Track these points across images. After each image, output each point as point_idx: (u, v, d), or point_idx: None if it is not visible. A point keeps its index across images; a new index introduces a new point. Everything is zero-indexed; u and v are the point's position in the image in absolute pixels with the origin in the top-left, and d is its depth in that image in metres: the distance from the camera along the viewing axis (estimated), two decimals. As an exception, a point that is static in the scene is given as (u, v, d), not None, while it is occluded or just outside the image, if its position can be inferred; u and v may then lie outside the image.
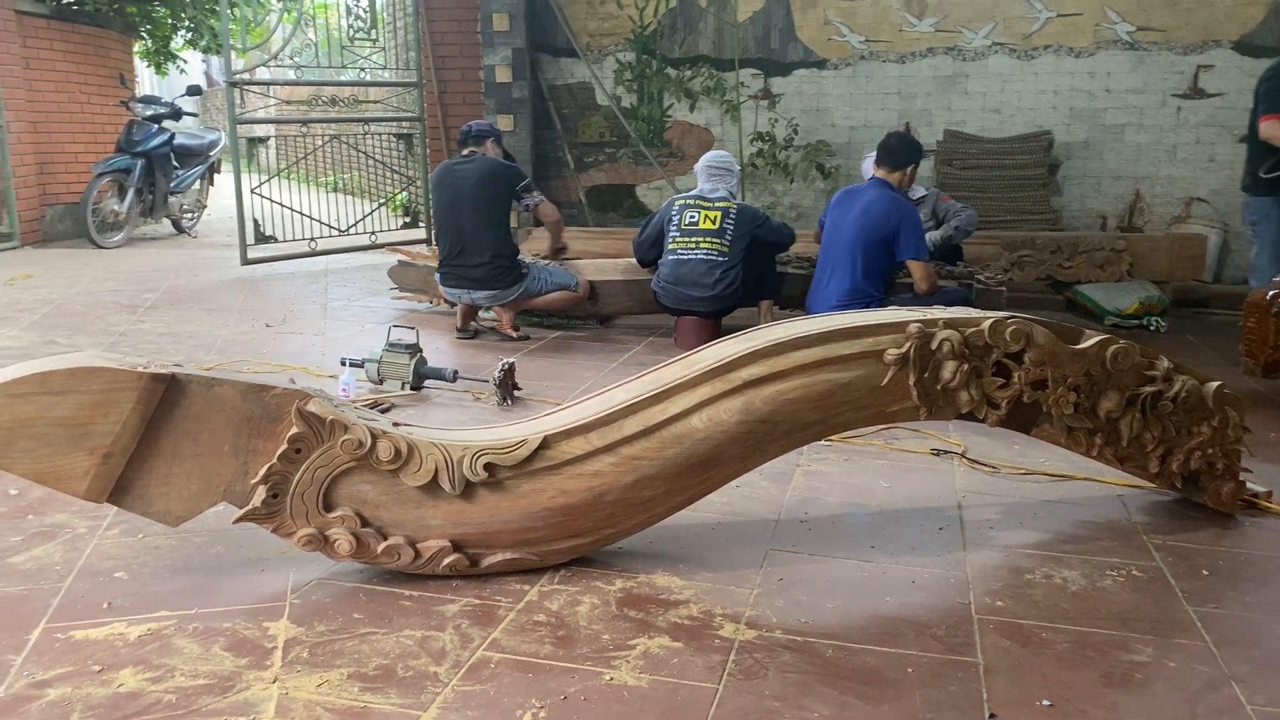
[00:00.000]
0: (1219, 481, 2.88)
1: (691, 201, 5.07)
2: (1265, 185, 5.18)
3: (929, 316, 2.57)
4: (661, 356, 4.88)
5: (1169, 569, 2.51)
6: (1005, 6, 7.35)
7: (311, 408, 2.21)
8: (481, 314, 5.39)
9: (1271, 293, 4.21)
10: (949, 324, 2.56)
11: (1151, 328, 6.01)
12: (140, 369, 2.16)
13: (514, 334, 5.14)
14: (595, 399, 2.52)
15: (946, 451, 3.43)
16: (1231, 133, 7.10)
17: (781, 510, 2.86)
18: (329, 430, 2.22)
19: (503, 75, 7.79)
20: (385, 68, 8.14)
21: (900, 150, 4.80)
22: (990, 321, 2.59)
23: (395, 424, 2.36)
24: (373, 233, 7.86)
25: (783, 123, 7.79)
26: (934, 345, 2.53)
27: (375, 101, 8.92)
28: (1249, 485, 2.98)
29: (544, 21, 8.02)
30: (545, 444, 2.33)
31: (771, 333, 2.57)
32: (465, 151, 5.29)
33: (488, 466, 2.28)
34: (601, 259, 5.85)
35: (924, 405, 2.56)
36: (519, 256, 5.23)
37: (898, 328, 2.53)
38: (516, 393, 3.93)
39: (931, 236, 5.52)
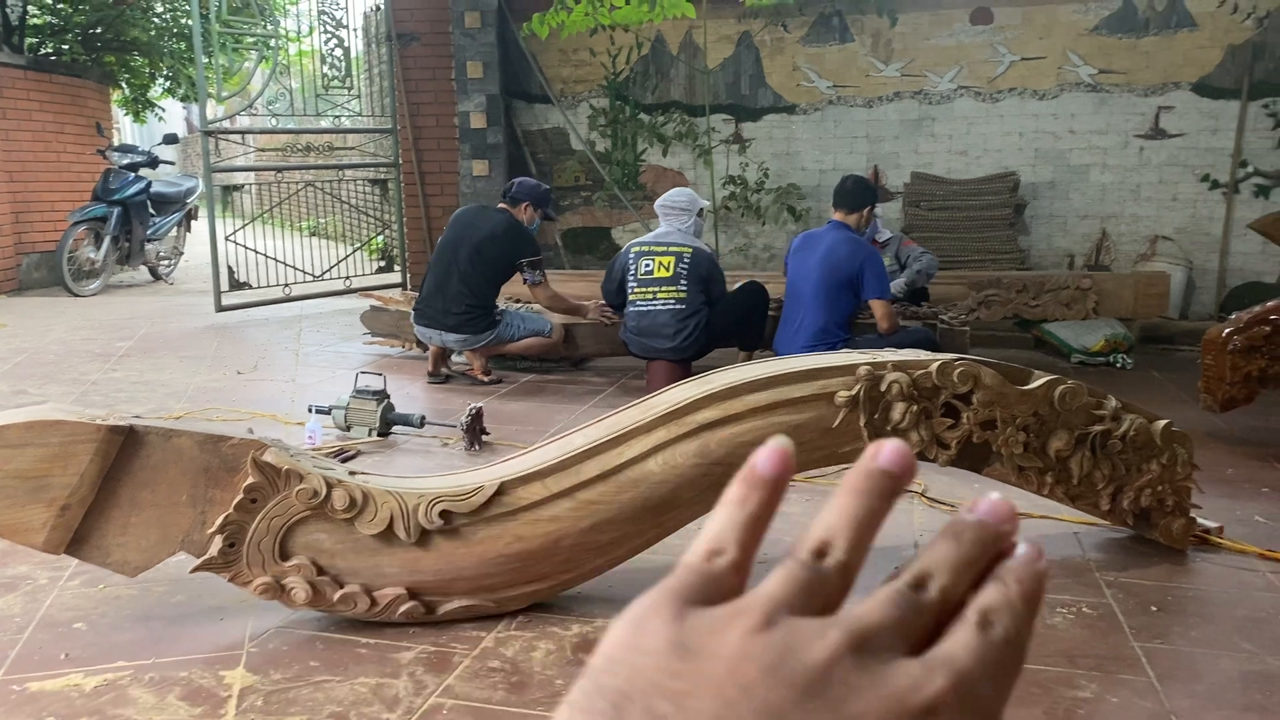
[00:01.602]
0: (1170, 518, 2.93)
1: (646, 247, 5.09)
2: None
3: (878, 359, 2.63)
4: (632, 399, 4.91)
5: (1119, 605, 2.56)
6: (970, 51, 7.51)
7: (267, 457, 2.24)
8: (454, 358, 5.43)
9: (1227, 330, 4.30)
10: (898, 366, 2.62)
11: (1118, 365, 6.09)
12: (99, 421, 2.19)
13: (485, 378, 5.18)
14: (554, 444, 2.55)
15: (907, 491, 3.47)
16: (1193, 172, 7.25)
17: (741, 552, 2.88)
18: (284, 480, 2.24)
19: (477, 121, 7.89)
20: (360, 114, 8.24)
21: (856, 193, 4.89)
22: (938, 363, 2.65)
23: (352, 473, 2.39)
24: (347, 278, 7.91)
25: (754, 166, 7.90)
26: (883, 387, 2.59)
27: (351, 148, 9.01)
28: (1200, 521, 3.04)
29: (518, 69, 8.14)
30: (502, 490, 2.36)
31: (726, 376, 2.62)
32: (500, 206, 5.32)
33: (443, 514, 2.31)
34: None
35: (876, 447, 2.60)
36: (495, 305, 5.25)
37: (847, 370, 2.58)
38: (484, 438, 3.96)
39: (896, 285, 5.60)
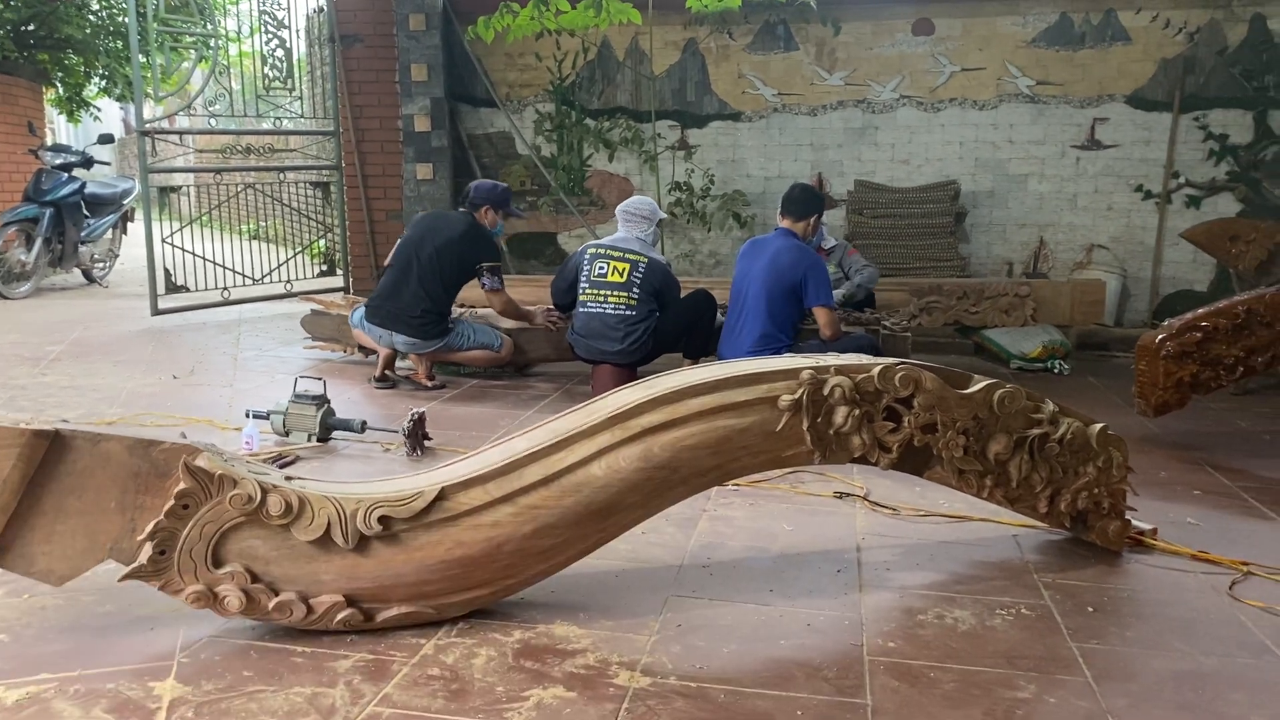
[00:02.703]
0: (1106, 520, 2.98)
1: (602, 250, 5.10)
2: None
3: (821, 363, 2.64)
4: (577, 404, 4.90)
5: (1056, 607, 2.59)
6: (912, 61, 7.61)
7: (200, 462, 2.18)
8: (399, 363, 5.35)
9: (1160, 337, 4.39)
10: (840, 370, 2.63)
11: (1055, 370, 6.20)
12: (22, 425, 2.12)
13: (429, 383, 5.12)
14: (496, 448, 2.53)
15: (849, 494, 3.50)
16: (1127, 182, 7.42)
17: (685, 556, 2.88)
18: (218, 485, 2.19)
19: (421, 124, 7.82)
20: (302, 116, 8.12)
21: (803, 200, 4.92)
22: (880, 367, 2.66)
23: (288, 478, 2.34)
24: (288, 281, 7.79)
25: (699, 173, 7.93)
26: (826, 391, 2.60)
27: (292, 150, 8.88)
28: (1135, 523, 3.09)
29: (463, 72, 8.08)
30: (442, 495, 2.33)
31: (670, 380, 2.61)
32: (463, 209, 5.26)
33: (382, 520, 2.27)
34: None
35: (818, 450, 2.61)
36: (449, 313, 5.20)
37: (791, 374, 2.59)
38: (427, 443, 3.91)
39: (838, 294, 5.65)
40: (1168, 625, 2.49)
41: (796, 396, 2.56)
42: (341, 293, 7.78)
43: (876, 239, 7.51)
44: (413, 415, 3.85)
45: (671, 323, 5.03)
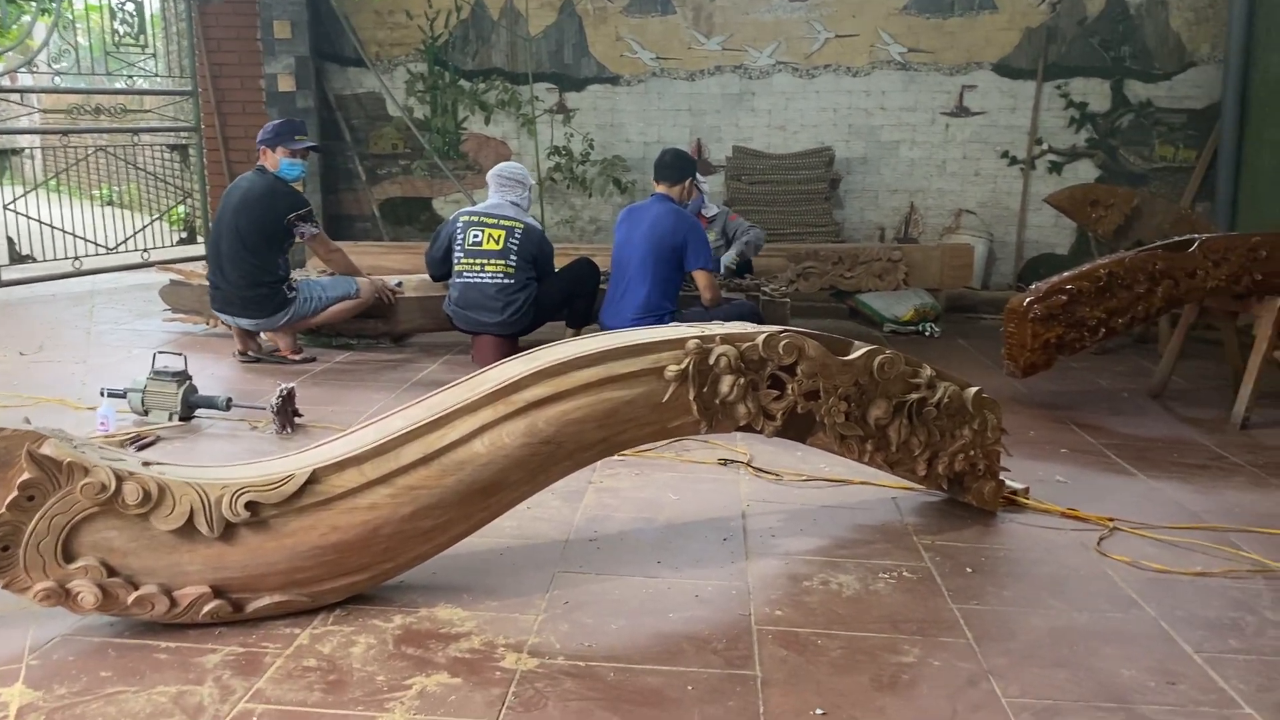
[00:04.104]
0: (981, 481, 3.05)
1: (475, 218, 4.95)
2: None
3: (707, 332, 2.61)
4: (458, 376, 4.78)
5: (936, 569, 2.64)
6: (787, 27, 7.64)
7: (45, 450, 2.02)
8: (261, 336, 5.12)
9: (1028, 300, 4.52)
10: (725, 339, 2.60)
11: (926, 333, 6.36)
12: None
13: (295, 357, 4.90)
14: (371, 427, 2.42)
15: (733, 461, 3.50)
16: (994, 149, 7.62)
17: (571, 530, 2.83)
18: (67, 474, 2.03)
19: (285, 84, 7.48)
20: (157, 75, 7.66)
21: (676, 165, 4.89)
22: (764, 336, 2.65)
23: (146, 464, 2.18)
24: (145, 250, 7.37)
25: (579, 138, 7.81)
26: (711, 360, 2.57)
27: (147, 111, 8.38)
28: (1008, 483, 3.18)
29: (329, 29, 7.75)
30: (314, 478, 2.21)
31: (554, 352, 2.54)
32: (259, 164, 4.94)
33: (250, 505, 2.14)
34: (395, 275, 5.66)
35: (704, 419, 2.59)
36: (287, 279, 4.91)
37: (677, 344, 2.55)
38: (297, 419, 3.74)
39: (727, 258, 5.66)
40: (1042, 583, 2.57)
41: (683, 367, 2.52)
42: (203, 261, 7.41)
43: (754, 205, 7.54)
44: (281, 391, 3.68)
45: (553, 292, 4.95)
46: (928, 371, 2.92)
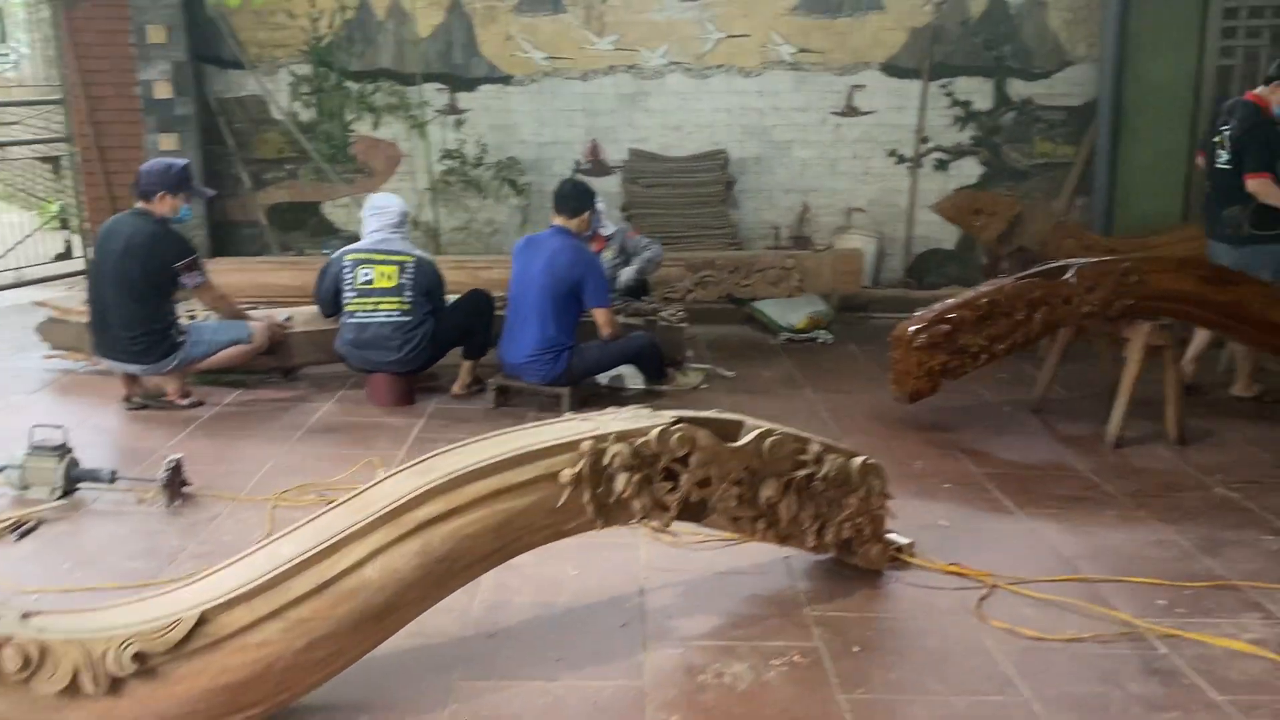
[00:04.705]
0: (868, 545, 3.16)
1: (363, 255, 4.84)
2: (1260, 237, 5.05)
3: (600, 431, 2.64)
4: (353, 419, 4.73)
5: (826, 648, 2.74)
6: (679, 27, 7.62)
7: (-85, 623, 1.95)
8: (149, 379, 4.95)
9: (913, 328, 4.66)
10: (620, 437, 2.64)
11: (820, 340, 6.50)
12: None
13: (183, 401, 4.76)
14: (262, 551, 2.39)
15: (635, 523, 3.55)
16: (883, 148, 7.76)
17: (470, 622, 2.85)
18: (-61, 646, 1.97)
19: (162, 91, 7.18)
20: (20, 85, 7.27)
21: (575, 196, 4.88)
22: (658, 430, 2.69)
23: (26, 615, 2.12)
24: (19, 268, 7.04)
25: (472, 141, 7.69)
26: (606, 460, 2.60)
27: (14, 122, 7.96)
28: (894, 537, 3.30)
29: (207, 31, 7.45)
30: (204, 619, 2.18)
31: (447, 462, 2.53)
32: (137, 205, 4.72)
33: (137, 656, 2.11)
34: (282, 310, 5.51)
35: (600, 518, 2.63)
36: (175, 323, 4.76)
37: (571, 447, 2.57)
38: (185, 489, 3.66)
39: (627, 275, 5.67)
40: (925, 662, 2.69)
41: (577, 470, 2.55)
42: (81, 280, 7.12)
43: (651, 208, 7.57)
44: (169, 464, 3.58)
45: (449, 326, 4.91)
46: (815, 447, 3.01)
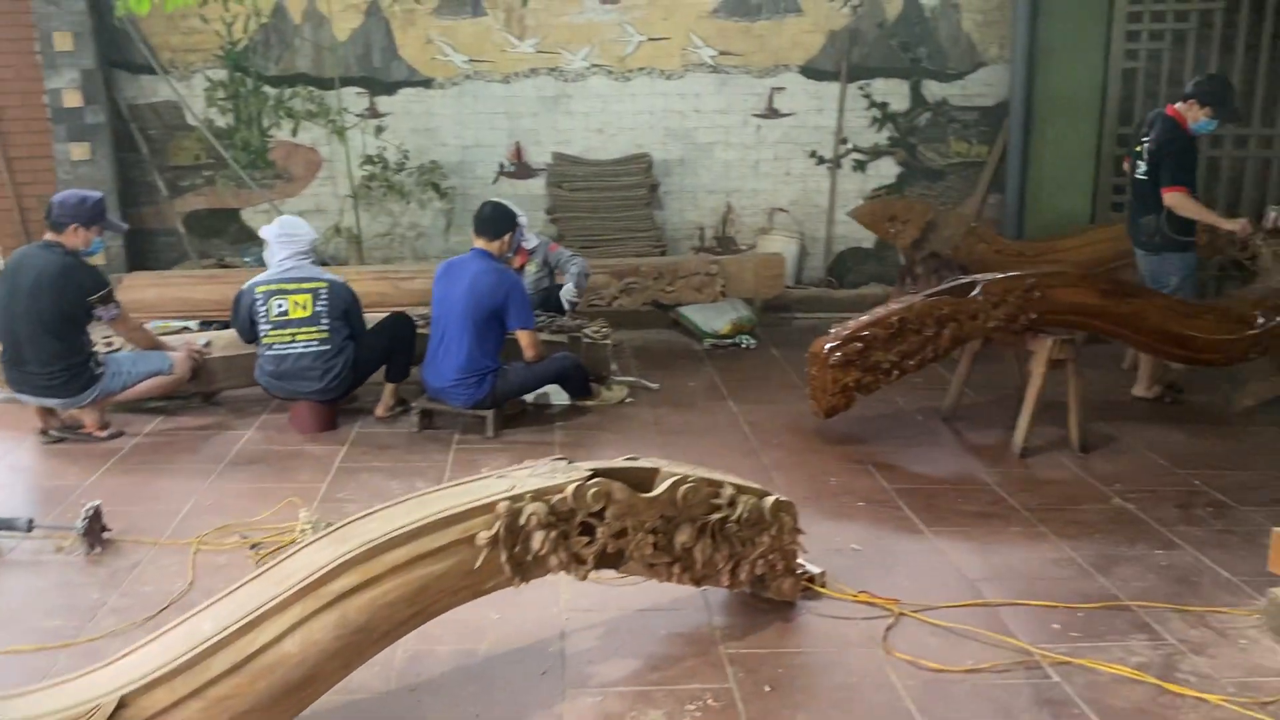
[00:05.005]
0: (780, 579, 3.28)
1: (275, 286, 4.79)
2: (1176, 244, 5.31)
3: (516, 491, 2.70)
4: (275, 447, 4.73)
5: (739, 688, 2.85)
6: (600, 30, 7.64)
7: None
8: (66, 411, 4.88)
9: (829, 345, 4.79)
10: (535, 496, 2.70)
11: (744, 345, 6.63)
12: None
13: (102, 434, 4.71)
14: (181, 628, 2.41)
15: (554, 559, 3.63)
16: (804, 149, 7.89)
17: (392, 675, 2.91)
18: None
19: (71, 99, 7.01)
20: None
21: (495, 219, 4.90)
22: (573, 487, 2.76)
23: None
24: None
25: (393, 147, 7.63)
26: (522, 520, 2.67)
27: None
28: (807, 566, 3.42)
29: (117, 36, 7.27)
30: (123, 703, 2.21)
31: (364, 530, 2.58)
32: (47, 237, 4.64)
33: (57, 747, 2.13)
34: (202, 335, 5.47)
35: (518, 575, 2.70)
36: (93, 355, 4.71)
37: (486, 509, 2.63)
38: (105, 535, 3.65)
39: (566, 292, 5.72)
40: (831, 700, 2.81)
41: (494, 532, 2.61)
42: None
43: (576, 212, 7.61)
44: (87, 511, 3.57)
45: (370, 351, 4.92)
46: (729, 490, 3.10)
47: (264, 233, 5.01)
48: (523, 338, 4.84)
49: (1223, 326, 5.08)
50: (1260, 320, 5.09)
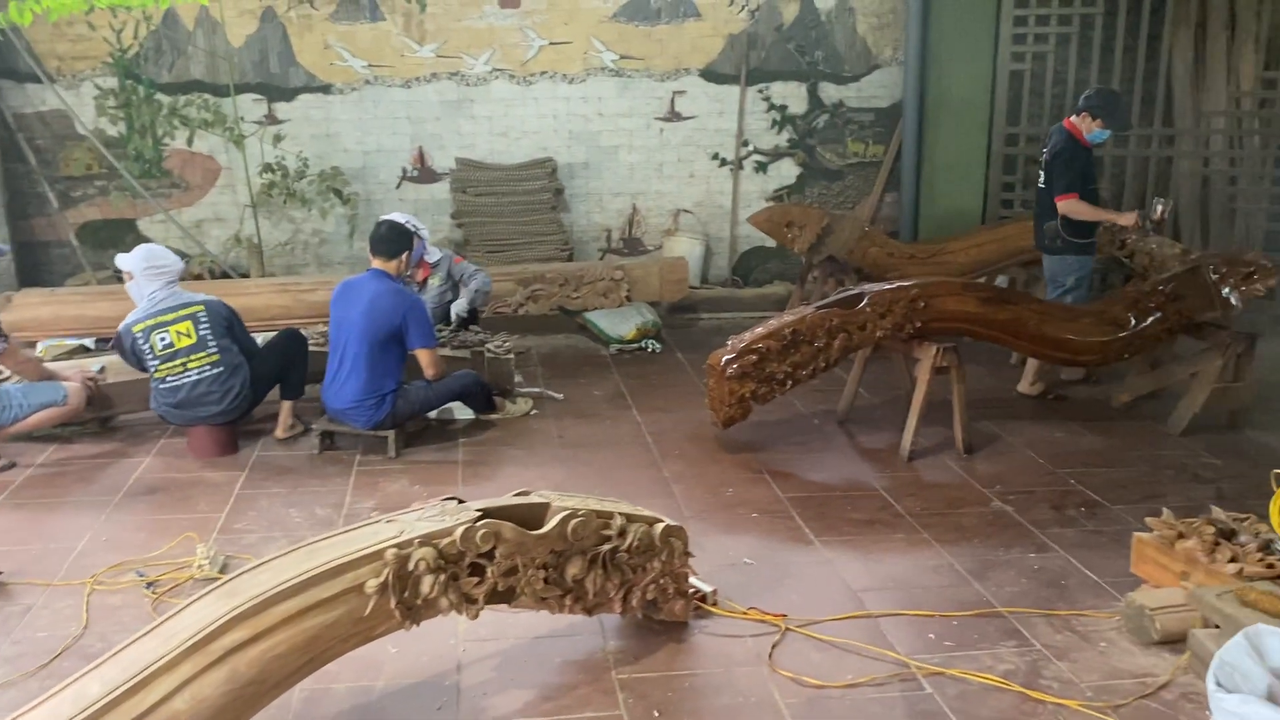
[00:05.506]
0: (672, 601, 3.40)
1: (152, 322, 4.72)
2: (1075, 246, 5.59)
3: (404, 537, 2.76)
4: (174, 474, 4.69)
5: (628, 714, 2.96)
6: (501, 35, 7.64)
7: None
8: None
9: (725, 358, 4.92)
10: (424, 541, 2.77)
11: (650, 350, 6.74)
12: None
13: (-6, 467, 4.65)
14: (67, 691, 2.43)
15: (453, 587, 3.69)
16: (706, 151, 8.01)
17: (290, 718, 2.96)
18: None
19: (-48, 110, 6.79)
20: None
21: (391, 239, 4.92)
22: (462, 529, 2.83)
23: None
24: None
25: (292, 156, 7.54)
26: (411, 566, 2.74)
27: None
28: (699, 585, 3.55)
29: (1, 43, 7.05)
30: (9, 773, 2.24)
31: (252, 583, 2.62)
32: None
33: (-59, 822, 2.15)
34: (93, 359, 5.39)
35: (408, 619, 2.77)
36: None
37: (375, 556, 2.69)
38: (-2, 579, 3.62)
39: (458, 306, 5.74)
40: (717, 721, 2.95)
41: (383, 579, 2.68)
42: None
43: (481, 216, 7.63)
44: (-24, 557, 3.53)
45: (265, 370, 4.91)
46: (618, 521, 3.20)
47: (124, 264, 4.79)
48: (423, 357, 4.88)
49: (1098, 329, 5.34)
50: (1133, 323, 5.37)
